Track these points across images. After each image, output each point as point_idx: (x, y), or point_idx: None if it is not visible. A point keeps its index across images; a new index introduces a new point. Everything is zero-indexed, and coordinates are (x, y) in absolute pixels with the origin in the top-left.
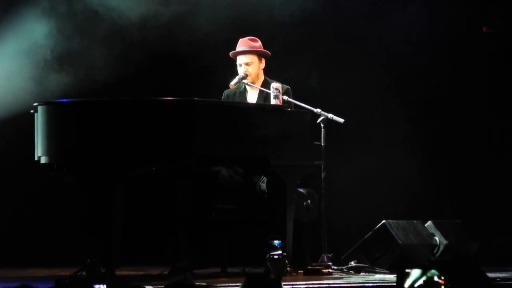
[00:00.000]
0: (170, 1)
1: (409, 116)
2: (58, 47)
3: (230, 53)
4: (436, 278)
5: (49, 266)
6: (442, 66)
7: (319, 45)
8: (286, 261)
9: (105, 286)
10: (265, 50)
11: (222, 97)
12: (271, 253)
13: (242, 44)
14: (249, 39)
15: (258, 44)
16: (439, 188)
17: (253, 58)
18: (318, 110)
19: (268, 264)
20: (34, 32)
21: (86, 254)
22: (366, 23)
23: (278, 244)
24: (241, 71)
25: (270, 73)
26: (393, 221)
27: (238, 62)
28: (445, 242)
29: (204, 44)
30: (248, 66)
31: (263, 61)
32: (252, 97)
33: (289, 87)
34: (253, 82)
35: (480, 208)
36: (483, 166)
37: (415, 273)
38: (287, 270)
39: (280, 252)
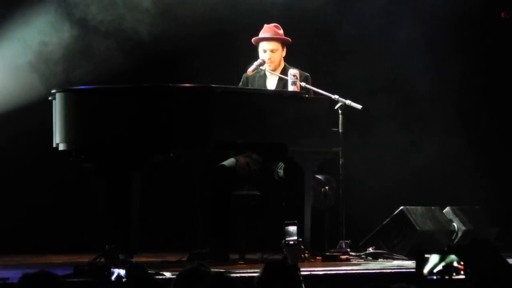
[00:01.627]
0: None
1: (429, 99)
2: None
3: (253, 39)
4: (455, 263)
5: (68, 253)
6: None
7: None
8: (303, 247)
9: (124, 271)
10: (288, 38)
11: (242, 80)
12: (287, 239)
13: (268, 30)
14: (275, 26)
15: (281, 32)
16: (458, 174)
17: (277, 46)
18: (336, 97)
19: (284, 249)
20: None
21: (105, 241)
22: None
23: (293, 230)
24: (265, 56)
25: (290, 60)
26: (411, 207)
27: (262, 48)
28: (463, 228)
29: (222, 31)
30: (273, 53)
31: (285, 49)
32: (271, 83)
33: (308, 74)
34: (274, 69)
35: (499, 194)
36: (503, 151)
37: (434, 258)
38: (305, 256)
39: (295, 237)
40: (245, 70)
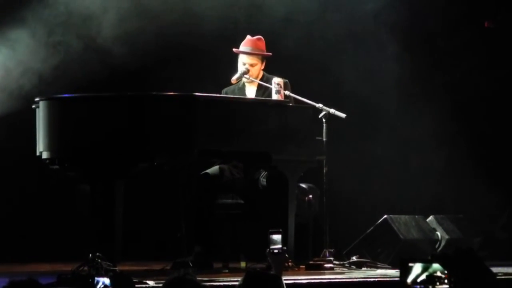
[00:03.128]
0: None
1: (410, 111)
2: (57, 44)
3: (234, 50)
4: (439, 273)
5: (51, 261)
6: (442, 59)
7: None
8: (287, 255)
9: (108, 279)
10: (269, 53)
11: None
12: (271, 247)
13: (249, 43)
14: (257, 39)
15: (263, 44)
16: (441, 183)
17: (257, 60)
18: (320, 105)
19: (268, 258)
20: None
21: (88, 249)
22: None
23: (278, 238)
24: (243, 68)
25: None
26: (395, 216)
27: (241, 60)
28: (446, 237)
29: (205, 40)
30: (252, 67)
31: (264, 62)
32: (250, 92)
33: (287, 80)
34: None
35: (482, 202)
36: (484, 160)
37: (418, 267)
38: (288, 265)
39: (280, 246)
40: (228, 80)
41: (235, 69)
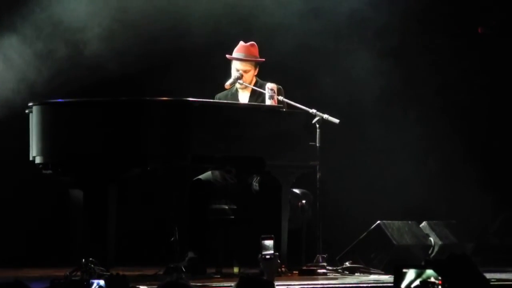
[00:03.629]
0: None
1: (404, 117)
2: (49, 48)
3: (227, 56)
4: (433, 279)
5: (44, 266)
6: (432, 63)
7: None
8: (279, 261)
9: (103, 281)
10: (262, 59)
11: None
12: (263, 253)
13: (242, 50)
14: (250, 45)
15: (256, 50)
16: (434, 189)
17: (250, 66)
18: (313, 111)
19: (261, 264)
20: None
21: (81, 254)
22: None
23: (270, 244)
24: (237, 74)
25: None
26: (388, 221)
27: (235, 66)
28: (440, 242)
29: (196, 46)
30: (245, 73)
31: (258, 68)
32: (244, 97)
33: (281, 86)
34: (246, 86)
35: (475, 208)
36: (477, 166)
37: (411, 273)
38: (282, 270)
39: (272, 252)
40: (219, 85)
41: (227, 75)
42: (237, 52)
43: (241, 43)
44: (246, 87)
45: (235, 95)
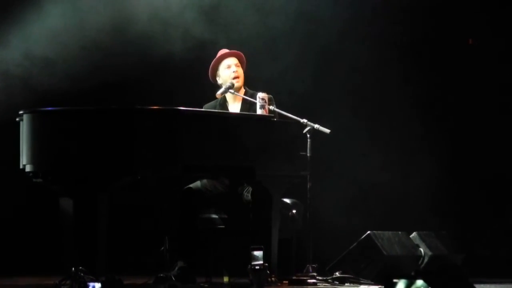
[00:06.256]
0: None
1: (393, 127)
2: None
3: (217, 57)
4: None
5: (34, 275)
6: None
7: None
8: (268, 272)
9: (99, 284)
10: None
11: None
12: (253, 264)
13: (226, 51)
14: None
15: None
16: (424, 200)
17: (240, 61)
18: (304, 121)
19: (250, 275)
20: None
21: (71, 263)
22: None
23: (259, 254)
24: (230, 72)
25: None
26: (378, 232)
27: (226, 64)
28: (429, 253)
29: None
30: (238, 67)
31: (244, 69)
32: (235, 108)
33: (271, 96)
34: (240, 86)
35: (465, 219)
36: (469, 177)
37: (401, 283)
38: (271, 280)
39: (261, 262)
40: (213, 94)
41: (209, 86)
42: (221, 53)
43: (221, 49)
44: (236, 97)
45: (223, 106)
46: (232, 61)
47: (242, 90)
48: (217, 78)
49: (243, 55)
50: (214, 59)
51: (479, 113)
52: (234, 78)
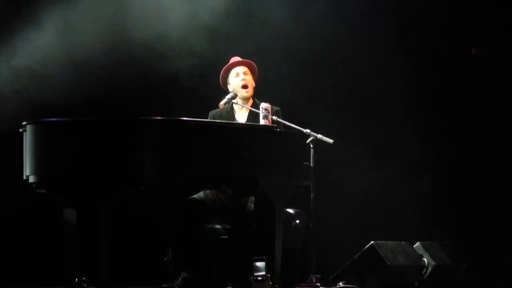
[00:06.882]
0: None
1: (396, 137)
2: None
3: (228, 64)
4: None
5: (37, 286)
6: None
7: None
8: (271, 282)
9: None
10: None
11: (208, 118)
12: (255, 274)
13: (238, 58)
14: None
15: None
16: (428, 210)
17: (251, 70)
18: (307, 131)
19: (252, 285)
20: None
21: (74, 274)
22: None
23: (261, 265)
24: (238, 80)
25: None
26: (382, 242)
27: (235, 72)
28: (433, 263)
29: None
30: (247, 76)
31: (255, 79)
32: (241, 117)
33: (279, 108)
34: (248, 98)
35: (469, 229)
36: (472, 186)
37: None
38: None
39: (264, 273)
40: (216, 105)
41: (226, 93)
42: (232, 61)
43: (233, 57)
44: (243, 107)
45: (230, 113)
46: (241, 69)
47: (251, 101)
48: (228, 86)
49: (255, 65)
50: (225, 66)
51: (479, 119)
52: (243, 86)
